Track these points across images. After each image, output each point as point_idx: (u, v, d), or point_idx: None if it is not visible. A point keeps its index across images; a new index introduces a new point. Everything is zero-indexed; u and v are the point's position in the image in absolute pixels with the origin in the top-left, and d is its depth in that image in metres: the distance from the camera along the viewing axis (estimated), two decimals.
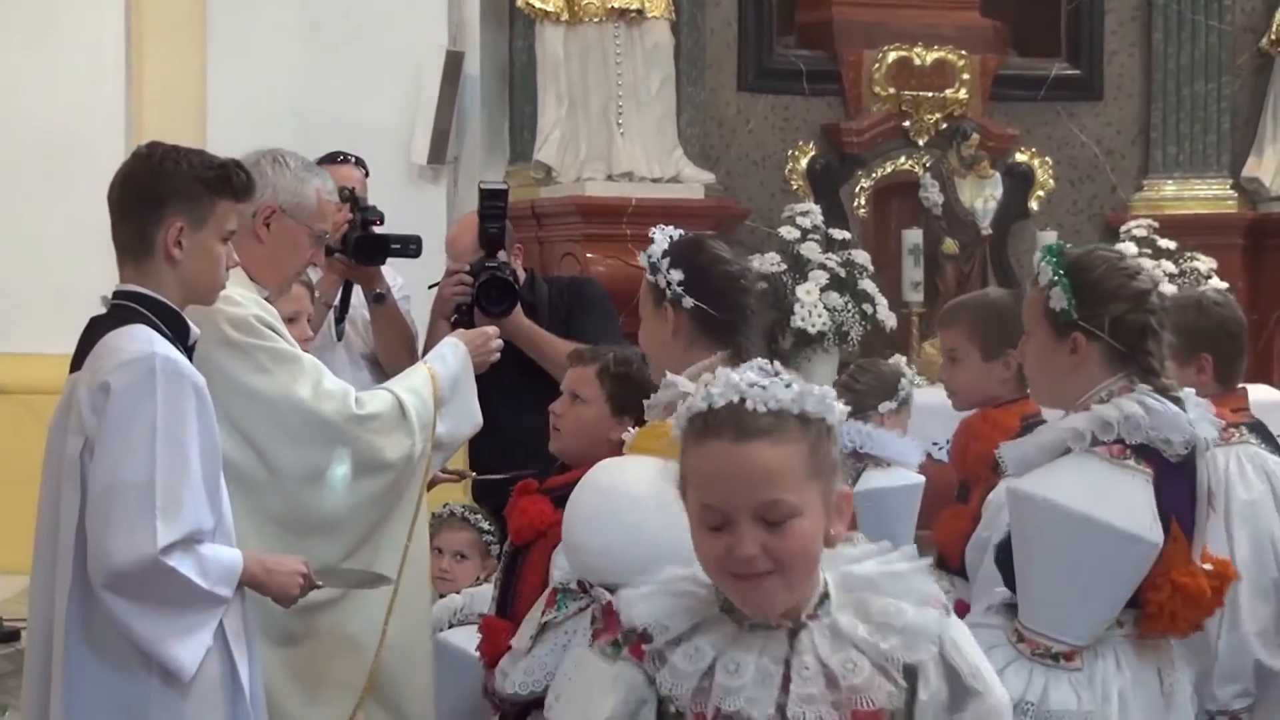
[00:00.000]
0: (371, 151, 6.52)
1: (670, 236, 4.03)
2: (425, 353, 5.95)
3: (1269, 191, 8.53)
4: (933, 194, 8.09)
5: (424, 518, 4.54)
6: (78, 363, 3.76)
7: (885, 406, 5.47)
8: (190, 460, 3.65)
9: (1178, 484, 3.66)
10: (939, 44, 8.41)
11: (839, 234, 7.88)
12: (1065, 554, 3.58)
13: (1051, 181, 8.62)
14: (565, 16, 7.56)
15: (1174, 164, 8.63)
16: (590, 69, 7.60)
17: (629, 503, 3.70)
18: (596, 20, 7.58)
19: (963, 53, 8.42)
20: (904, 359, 7.37)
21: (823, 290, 7.58)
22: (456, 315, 5.77)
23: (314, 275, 5.23)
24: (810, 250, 7.70)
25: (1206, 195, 8.62)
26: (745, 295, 4.02)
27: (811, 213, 7.90)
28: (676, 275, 3.94)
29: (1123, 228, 8.36)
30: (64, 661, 3.67)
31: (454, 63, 7.91)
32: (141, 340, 3.66)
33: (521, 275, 5.85)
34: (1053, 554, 3.60)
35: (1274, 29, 8.52)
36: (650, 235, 4.06)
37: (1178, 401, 3.71)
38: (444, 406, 4.49)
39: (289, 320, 4.81)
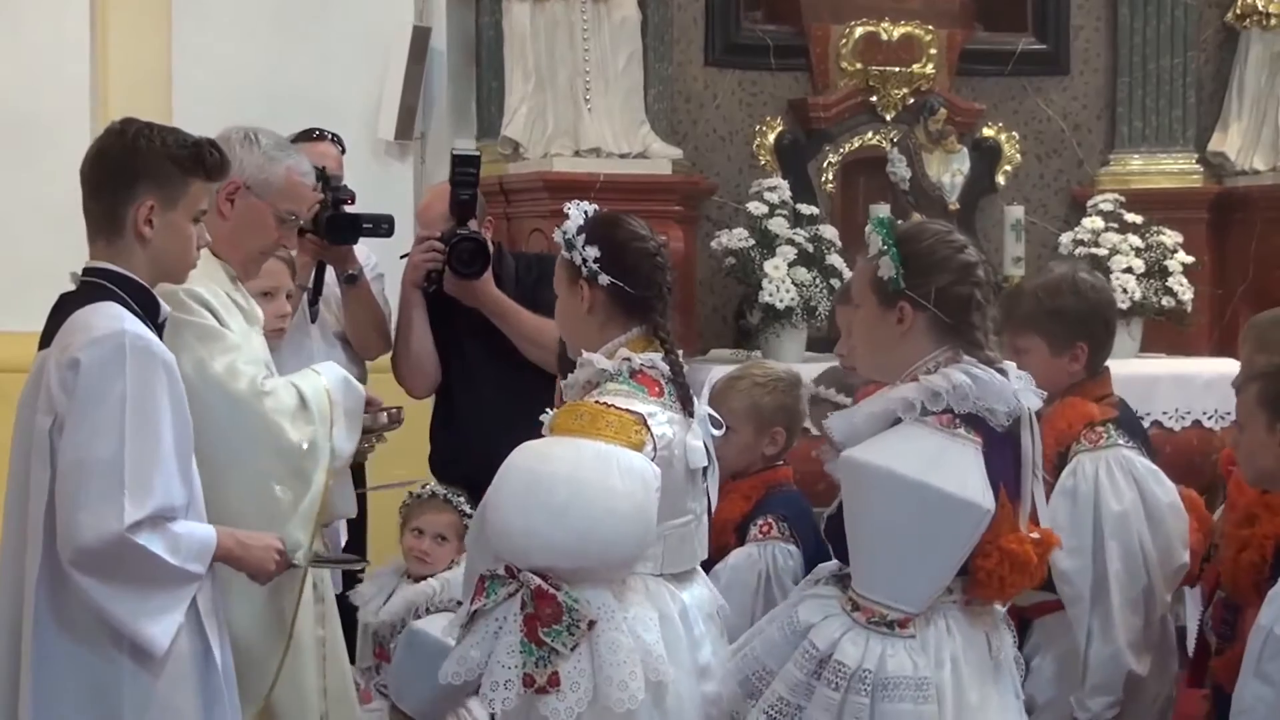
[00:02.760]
0: (338, 128, 6.53)
1: (585, 212, 4.06)
2: (398, 325, 5.97)
3: (1235, 166, 8.56)
4: (900, 169, 8.09)
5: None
6: (47, 340, 3.75)
7: None
8: (161, 437, 3.64)
9: (1003, 452, 3.73)
10: (906, 19, 8.40)
11: (807, 209, 7.87)
12: (901, 521, 3.63)
13: (1018, 156, 8.63)
14: None
15: (1140, 138, 8.64)
16: (557, 45, 7.58)
17: (556, 484, 3.72)
18: None
19: (930, 28, 8.41)
20: None
21: (790, 265, 7.57)
22: (428, 282, 5.77)
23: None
24: (778, 225, 7.70)
25: (1173, 169, 8.63)
26: (660, 272, 4.07)
27: (779, 188, 7.89)
28: (592, 252, 4.00)
29: (1089, 201, 8.38)
30: (33, 640, 3.66)
31: (420, 38, 7.89)
32: (111, 317, 3.66)
33: (491, 250, 5.85)
34: (888, 522, 3.65)
35: (1239, 3, 8.54)
36: (565, 210, 4.08)
37: (1002, 372, 3.77)
38: (339, 419, 4.33)
39: (263, 295, 4.79)
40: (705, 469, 4.05)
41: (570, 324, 4.11)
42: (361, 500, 5.14)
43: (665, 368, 3.98)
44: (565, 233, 4.04)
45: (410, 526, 5.66)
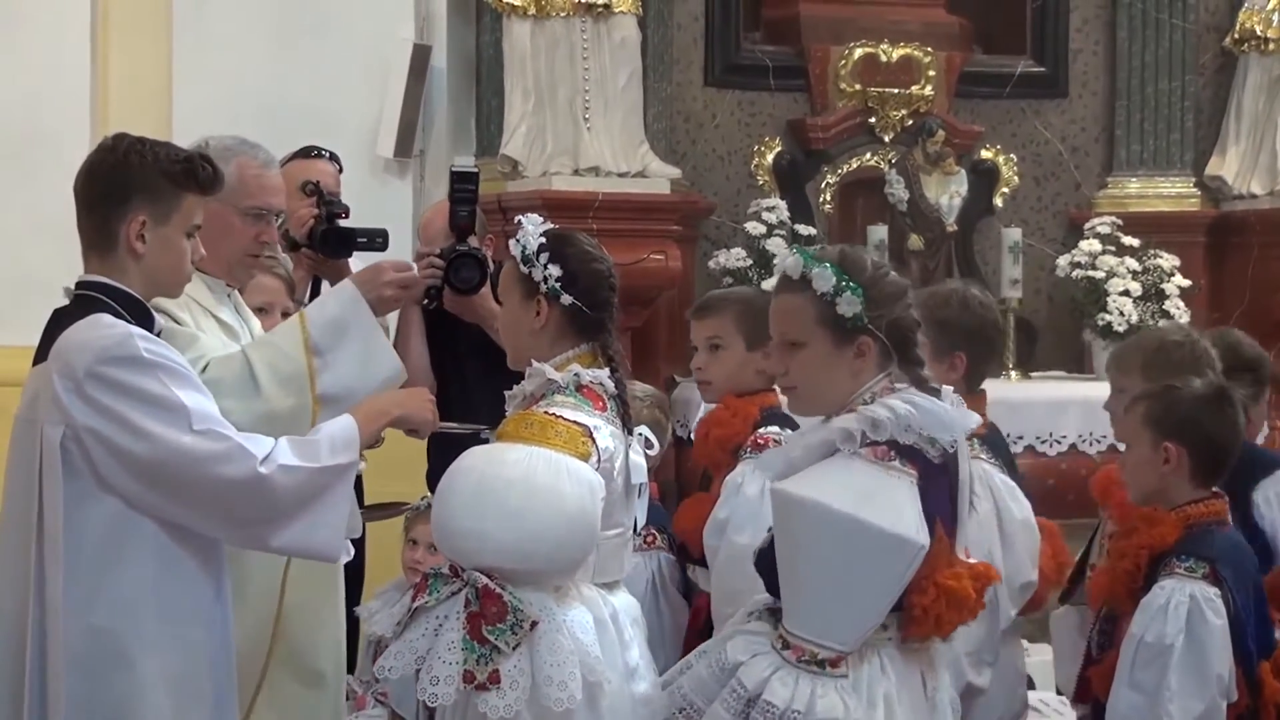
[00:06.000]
0: (338, 145, 6.51)
1: (539, 228, 4.10)
2: (395, 341, 5.97)
3: (1232, 190, 8.58)
4: (898, 190, 8.12)
5: None
6: (43, 354, 3.74)
7: None
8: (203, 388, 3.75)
9: (940, 484, 3.66)
10: (905, 41, 8.44)
11: (805, 229, 7.90)
12: (833, 557, 3.54)
13: (1016, 178, 8.66)
14: (532, 11, 7.56)
15: (1138, 162, 8.67)
16: (557, 63, 7.60)
17: (509, 488, 3.78)
18: (564, 15, 7.58)
19: (928, 49, 8.45)
20: None
21: None
22: (428, 299, 5.79)
23: (289, 265, 5.20)
24: (776, 245, 7.72)
25: (1170, 193, 8.66)
26: (613, 293, 4.11)
27: (777, 208, 7.93)
28: (555, 271, 4.02)
29: (1086, 225, 8.40)
30: (64, 645, 3.63)
31: (421, 56, 7.91)
32: (109, 325, 3.67)
33: (491, 266, 5.86)
34: (820, 558, 3.56)
35: (1237, 28, 8.57)
36: (518, 222, 4.10)
37: (935, 393, 3.72)
38: (325, 355, 4.20)
39: (258, 311, 4.78)
40: (641, 486, 4.12)
41: (519, 335, 4.12)
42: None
43: (610, 385, 4.03)
44: (525, 248, 4.06)
45: (407, 539, 5.73)
